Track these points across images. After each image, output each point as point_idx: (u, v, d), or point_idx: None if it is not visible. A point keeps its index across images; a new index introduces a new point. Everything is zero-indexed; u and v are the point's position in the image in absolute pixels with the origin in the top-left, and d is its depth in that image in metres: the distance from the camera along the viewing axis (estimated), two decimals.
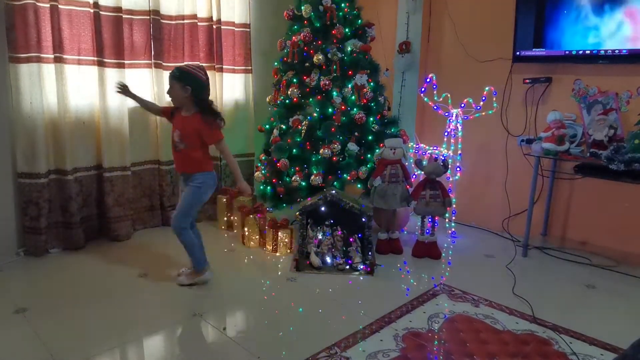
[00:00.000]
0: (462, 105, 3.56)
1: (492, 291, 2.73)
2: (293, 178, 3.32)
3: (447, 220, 3.74)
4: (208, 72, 3.68)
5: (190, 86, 2.54)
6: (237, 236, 3.51)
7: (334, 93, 3.34)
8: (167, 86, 3.50)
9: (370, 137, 3.43)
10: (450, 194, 3.38)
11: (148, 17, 3.41)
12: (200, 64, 2.64)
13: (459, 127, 3.61)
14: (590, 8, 3.07)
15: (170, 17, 3.52)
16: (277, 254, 3.23)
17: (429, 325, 2.36)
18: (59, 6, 2.96)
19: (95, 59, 3.18)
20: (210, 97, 2.68)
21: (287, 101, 3.47)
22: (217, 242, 3.42)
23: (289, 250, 3.24)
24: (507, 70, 3.61)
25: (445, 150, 3.66)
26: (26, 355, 2.05)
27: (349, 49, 3.40)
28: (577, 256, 3.28)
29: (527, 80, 3.46)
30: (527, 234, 3.27)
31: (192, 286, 2.71)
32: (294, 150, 3.38)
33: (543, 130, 3.18)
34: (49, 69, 2.96)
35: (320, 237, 3.09)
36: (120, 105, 3.30)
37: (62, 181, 3.13)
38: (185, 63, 3.43)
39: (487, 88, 3.46)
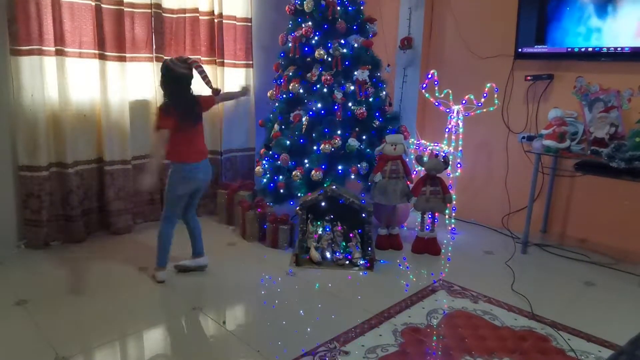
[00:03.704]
0: (464, 101, 3.55)
1: (491, 287, 2.74)
2: (293, 173, 3.32)
3: (447, 216, 3.74)
4: (209, 67, 3.72)
5: None
6: (238, 230, 3.52)
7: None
8: None
9: (371, 133, 3.43)
10: (450, 191, 3.38)
11: (149, 11, 3.41)
12: (184, 57, 2.55)
13: (460, 124, 3.60)
14: (593, 6, 3.06)
15: (171, 11, 3.52)
16: (277, 248, 3.24)
17: (427, 320, 2.37)
18: None
19: (97, 52, 3.17)
20: None
21: (288, 96, 3.46)
22: (217, 236, 3.42)
23: (288, 245, 3.24)
24: (509, 66, 3.60)
25: (446, 147, 3.66)
26: (27, 347, 2.06)
27: (351, 44, 3.38)
28: (576, 253, 3.28)
29: (529, 77, 3.45)
30: (526, 231, 3.28)
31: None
32: (295, 145, 3.38)
33: (544, 127, 3.18)
34: (50, 62, 2.96)
35: (320, 232, 3.10)
36: (121, 98, 3.30)
37: (63, 174, 3.13)
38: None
39: (488, 85, 3.46)
